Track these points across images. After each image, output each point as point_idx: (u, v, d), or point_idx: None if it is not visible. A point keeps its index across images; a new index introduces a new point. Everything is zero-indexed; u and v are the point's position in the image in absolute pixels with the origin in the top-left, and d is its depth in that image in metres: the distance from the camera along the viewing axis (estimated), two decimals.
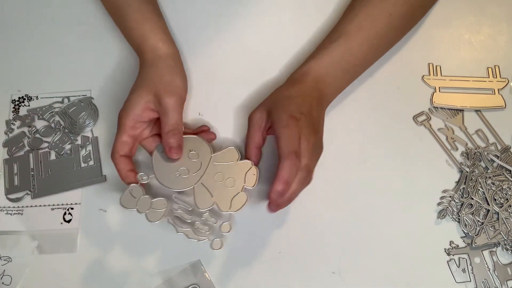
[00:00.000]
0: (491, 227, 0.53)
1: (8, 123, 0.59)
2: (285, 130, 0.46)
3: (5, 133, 0.58)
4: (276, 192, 0.44)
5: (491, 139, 0.57)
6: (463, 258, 0.52)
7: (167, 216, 0.50)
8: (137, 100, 0.49)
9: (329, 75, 0.52)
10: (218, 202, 0.49)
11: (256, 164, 0.51)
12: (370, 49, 0.54)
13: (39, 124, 0.58)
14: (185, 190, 0.50)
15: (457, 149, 0.57)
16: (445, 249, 0.53)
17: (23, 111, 0.59)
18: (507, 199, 0.54)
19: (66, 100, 0.59)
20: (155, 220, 0.49)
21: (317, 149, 0.48)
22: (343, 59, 0.52)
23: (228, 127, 0.57)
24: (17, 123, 0.59)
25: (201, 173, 0.50)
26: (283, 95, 0.50)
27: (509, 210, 0.53)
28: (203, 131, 0.54)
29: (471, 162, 0.56)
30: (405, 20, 0.56)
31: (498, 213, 0.53)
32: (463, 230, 0.53)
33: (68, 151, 0.57)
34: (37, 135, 0.58)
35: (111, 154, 0.50)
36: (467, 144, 0.57)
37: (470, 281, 0.51)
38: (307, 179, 0.47)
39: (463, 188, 0.55)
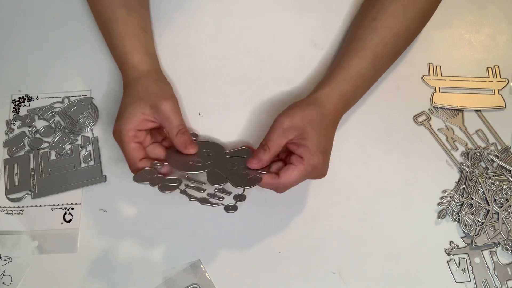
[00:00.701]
0: (491, 227, 0.53)
1: (8, 123, 0.59)
2: (305, 168, 0.46)
3: (6, 133, 0.58)
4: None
5: (491, 139, 0.57)
6: (463, 258, 0.52)
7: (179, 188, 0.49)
8: (134, 113, 0.49)
9: (351, 92, 0.52)
10: (231, 180, 0.48)
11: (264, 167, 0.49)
12: (387, 64, 0.55)
13: (39, 124, 0.59)
14: (198, 173, 0.49)
15: (457, 149, 0.57)
16: (445, 249, 0.53)
17: (23, 111, 0.59)
18: (507, 199, 0.54)
19: (66, 100, 0.59)
20: (167, 191, 0.48)
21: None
22: (368, 76, 0.53)
23: (228, 127, 0.57)
24: (18, 123, 0.59)
25: (214, 162, 0.50)
26: (315, 122, 0.48)
27: (509, 210, 0.53)
28: None
29: (471, 162, 0.56)
30: (417, 31, 0.56)
31: (498, 213, 0.53)
32: (463, 230, 0.53)
33: (68, 151, 0.57)
34: (38, 135, 0.58)
35: (131, 168, 0.49)
36: (467, 144, 0.57)
37: (470, 281, 0.51)
38: (277, 191, 0.49)
39: (463, 188, 0.55)
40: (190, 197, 0.49)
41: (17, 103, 0.59)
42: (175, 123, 0.49)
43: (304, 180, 0.48)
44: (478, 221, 0.53)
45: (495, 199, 0.54)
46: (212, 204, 0.49)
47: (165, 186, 0.48)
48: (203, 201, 0.49)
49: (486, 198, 0.54)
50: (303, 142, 0.47)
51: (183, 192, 0.50)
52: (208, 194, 0.50)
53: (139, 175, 0.48)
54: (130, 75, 0.53)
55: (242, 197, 0.49)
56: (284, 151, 0.50)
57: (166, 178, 0.49)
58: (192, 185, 0.51)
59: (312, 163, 0.47)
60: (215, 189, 0.50)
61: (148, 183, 0.48)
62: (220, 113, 0.58)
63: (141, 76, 0.53)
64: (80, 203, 0.55)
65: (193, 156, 0.50)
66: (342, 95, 0.51)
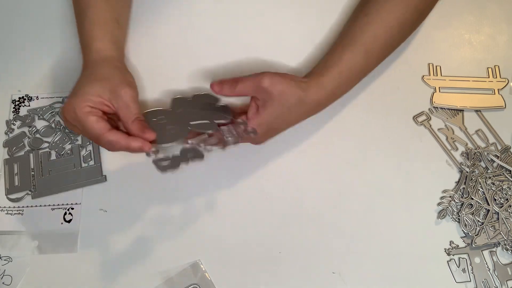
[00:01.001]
0: (491, 227, 0.53)
1: (8, 123, 0.59)
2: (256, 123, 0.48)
3: (6, 133, 0.58)
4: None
5: (491, 139, 0.57)
6: (463, 258, 0.52)
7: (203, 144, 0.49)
8: (90, 92, 0.47)
9: (341, 88, 0.52)
10: (214, 118, 0.50)
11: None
12: (379, 59, 0.54)
13: (40, 124, 0.59)
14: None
15: (457, 149, 0.57)
16: (445, 249, 0.53)
17: (23, 111, 0.59)
18: (507, 199, 0.54)
19: (66, 100, 0.59)
20: (198, 158, 0.48)
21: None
22: (359, 72, 0.52)
23: None
24: (18, 123, 0.59)
25: (182, 120, 0.50)
26: (290, 104, 0.48)
27: (509, 210, 0.53)
28: None
29: (471, 162, 0.56)
30: (413, 28, 0.56)
31: (498, 213, 0.53)
32: (463, 230, 0.53)
33: (69, 151, 0.57)
34: (38, 135, 0.58)
35: (99, 140, 0.47)
36: (467, 144, 0.57)
37: (470, 281, 0.51)
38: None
39: (463, 188, 0.55)
40: (225, 145, 0.49)
41: (17, 103, 0.59)
42: (133, 111, 0.48)
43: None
44: (478, 221, 0.53)
45: (495, 199, 0.54)
46: (237, 135, 0.49)
47: (196, 155, 0.48)
48: (232, 142, 0.49)
49: (486, 198, 0.54)
50: (261, 108, 0.48)
51: (223, 146, 0.49)
52: (225, 136, 0.49)
53: (160, 166, 0.48)
54: (92, 57, 0.52)
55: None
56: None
57: (181, 152, 0.49)
58: (211, 140, 0.50)
59: (255, 125, 0.48)
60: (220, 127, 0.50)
61: (174, 168, 0.48)
62: None
63: (104, 60, 0.52)
64: (80, 203, 0.55)
65: (163, 130, 0.49)
66: (330, 90, 0.50)
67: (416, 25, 0.56)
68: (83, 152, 0.57)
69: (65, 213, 0.54)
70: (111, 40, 0.54)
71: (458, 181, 0.55)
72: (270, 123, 0.49)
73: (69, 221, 0.54)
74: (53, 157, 0.57)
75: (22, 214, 0.55)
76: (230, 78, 0.49)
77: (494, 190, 0.54)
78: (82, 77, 0.51)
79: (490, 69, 0.60)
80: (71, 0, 0.59)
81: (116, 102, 0.48)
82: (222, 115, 0.50)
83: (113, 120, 0.50)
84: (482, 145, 0.57)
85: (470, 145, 0.57)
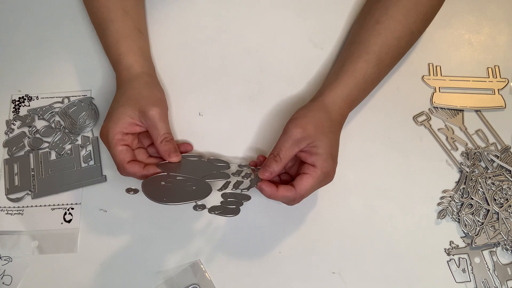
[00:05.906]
0: (491, 227, 0.53)
1: (8, 123, 0.59)
2: (319, 176, 0.46)
3: (6, 133, 0.58)
4: (262, 189, 0.47)
5: (491, 139, 0.57)
6: (463, 258, 0.52)
7: None
8: (122, 116, 0.49)
9: (358, 98, 0.53)
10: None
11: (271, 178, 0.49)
12: (390, 67, 0.55)
13: (39, 124, 0.59)
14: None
15: (457, 149, 0.57)
16: (445, 249, 0.53)
17: (23, 111, 0.59)
18: (507, 199, 0.54)
19: (66, 100, 0.59)
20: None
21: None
22: (373, 80, 0.53)
23: (228, 127, 0.57)
24: (18, 123, 0.59)
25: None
26: (326, 128, 0.49)
27: (509, 210, 0.53)
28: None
29: (471, 162, 0.56)
30: (419, 35, 0.56)
31: (498, 213, 0.53)
32: (463, 230, 0.53)
33: (69, 151, 0.57)
34: (38, 135, 0.58)
35: (120, 170, 0.49)
36: (467, 144, 0.57)
37: (470, 281, 0.51)
38: (292, 203, 0.49)
39: (463, 188, 0.55)
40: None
41: (17, 103, 0.59)
42: (161, 131, 0.49)
43: (317, 188, 0.48)
44: (478, 221, 0.53)
45: (495, 199, 0.54)
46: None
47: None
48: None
49: (486, 198, 0.54)
50: (314, 150, 0.47)
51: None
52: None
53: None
54: (124, 76, 0.53)
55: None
56: (290, 160, 0.50)
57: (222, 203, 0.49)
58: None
59: (326, 170, 0.47)
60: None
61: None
62: (220, 113, 0.58)
63: (134, 78, 0.52)
64: (80, 203, 0.55)
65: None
66: (348, 99, 0.51)
67: (422, 32, 0.57)
68: (83, 152, 0.57)
69: (65, 213, 0.54)
70: (138, 52, 0.54)
71: (458, 181, 0.55)
72: (331, 152, 0.48)
73: (69, 221, 0.54)
74: (53, 157, 0.57)
75: (22, 214, 0.55)
76: (268, 158, 0.48)
77: (494, 190, 0.54)
78: (116, 98, 0.52)
79: (490, 69, 0.60)
80: (87, 11, 0.59)
81: (145, 122, 0.49)
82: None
83: (147, 137, 0.52)
84: (482, 145, 0.57)
85: (470, 145, 0.57)
